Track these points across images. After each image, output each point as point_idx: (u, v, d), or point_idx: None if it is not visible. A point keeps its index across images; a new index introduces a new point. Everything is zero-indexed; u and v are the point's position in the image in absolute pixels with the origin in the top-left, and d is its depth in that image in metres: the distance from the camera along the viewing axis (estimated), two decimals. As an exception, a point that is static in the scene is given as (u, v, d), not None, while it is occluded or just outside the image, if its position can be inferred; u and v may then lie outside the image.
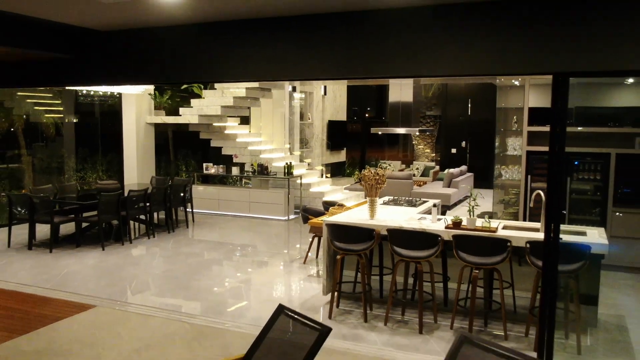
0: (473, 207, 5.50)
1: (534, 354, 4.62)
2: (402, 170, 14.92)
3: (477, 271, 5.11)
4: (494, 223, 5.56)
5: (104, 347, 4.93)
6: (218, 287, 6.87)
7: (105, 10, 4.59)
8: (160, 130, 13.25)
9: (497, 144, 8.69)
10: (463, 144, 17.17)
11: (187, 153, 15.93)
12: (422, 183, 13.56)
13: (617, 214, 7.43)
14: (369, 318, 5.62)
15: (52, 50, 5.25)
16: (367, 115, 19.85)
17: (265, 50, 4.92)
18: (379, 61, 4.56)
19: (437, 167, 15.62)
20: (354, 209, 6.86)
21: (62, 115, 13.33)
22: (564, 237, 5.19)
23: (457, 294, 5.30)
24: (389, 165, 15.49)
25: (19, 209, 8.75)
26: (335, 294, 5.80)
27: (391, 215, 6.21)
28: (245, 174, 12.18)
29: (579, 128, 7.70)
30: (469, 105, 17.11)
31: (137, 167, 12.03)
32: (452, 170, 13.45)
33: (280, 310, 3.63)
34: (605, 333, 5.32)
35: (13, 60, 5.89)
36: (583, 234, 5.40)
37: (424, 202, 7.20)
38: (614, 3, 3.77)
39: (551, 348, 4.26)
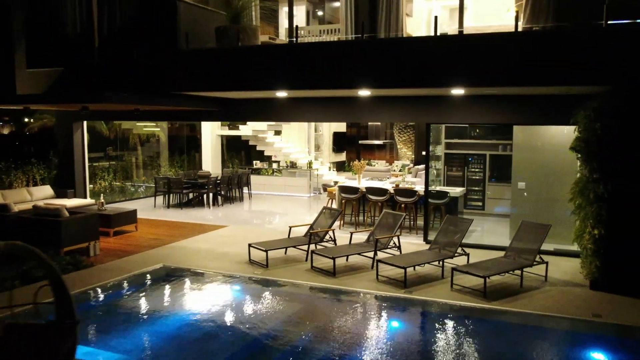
0: (404, 178, 12.09)
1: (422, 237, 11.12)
2: (386, 167, 21.48)
3: (403, 205, 11.70)
4: (414, 185, 12.15)
5: (245, 235, 11.49)
6: (284, 221, 13.44)
7: (241, 94, 11.12)
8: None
9: (431, 148, 15.26)
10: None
11: (232, 154, 22.50)
12: (398, 175, 20.10)
13: (490, 186, 14.04)
14: (357, 229, 12.20)
15: (210, 107, 11.86)
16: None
17: (312, 109, 11.51)
18: (359, 114, 11.18)
19: (411, 165, 22.16)
20: (351, 182, 13.47)
21: (159, 129, 19.91)
22: (445, 190, 11.81)
23: (396, 216, 11.89)
24: (377, 163, 22.04)
25: (160, 185, 15.33)
26: (342, 221, 12.38)
27: (368, 183, 12.82)
28: (281, 168, 18.74)
29: (472, 141, 14.30)
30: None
31: (211, 163, 18.61)
32: (417, 166, 19.98)
33: (324, 208, 10.28)
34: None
35: (186, 110, 12.46)
36: (454, 189, 11.99)
37: (387, 179, 13.79)
38: (448, 98, 10.36)
39: (427, 230, 10.86)
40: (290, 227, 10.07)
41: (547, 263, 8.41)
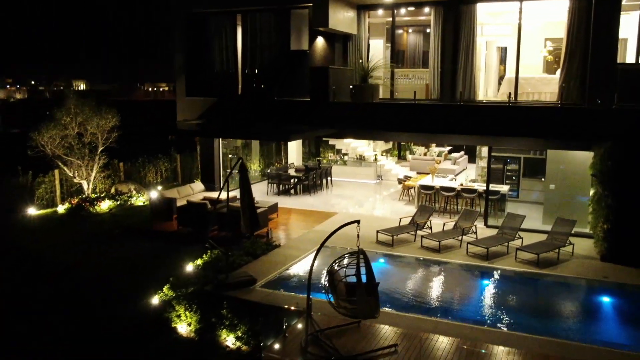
0: (467, 180, 17.00)
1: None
2: (424, 154, 26.32)
3: (468, 199, 16.63)
4: (475, 185, 17.09)
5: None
6: (364, 203, 18.40)
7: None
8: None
9: (477, 150, 20.11)
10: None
11: (305, 150, 27.20)
12: (439, 162, 24.96)
13: (524, 181, 18.96)
14: (432, 216, 17.13)
15: (332, 130, 16.62)
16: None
17: (404, 132, 16.28)
18: (439, 138, 15.99)
19: (446, 151, 26.98)
20: (425, 178, 18.38)
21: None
22: (495, 188, 16.80)
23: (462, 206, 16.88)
24: (418, 149, 26.87)
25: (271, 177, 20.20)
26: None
27: (440, 181, 17.73)
28: (349, 159, 23.55)
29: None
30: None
31: (296, 157, 23.41)
32: (455, 154, 24.85)
33: (421, 205, 15.27)
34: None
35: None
36: (502, 187, 16.92)
37: (449, 176, 18.72)
38: (502, 130, 15.12)
39: (487, 215, 15.83)
40: (400, 219, 15.03)
41: (573, 245, 13.42)
